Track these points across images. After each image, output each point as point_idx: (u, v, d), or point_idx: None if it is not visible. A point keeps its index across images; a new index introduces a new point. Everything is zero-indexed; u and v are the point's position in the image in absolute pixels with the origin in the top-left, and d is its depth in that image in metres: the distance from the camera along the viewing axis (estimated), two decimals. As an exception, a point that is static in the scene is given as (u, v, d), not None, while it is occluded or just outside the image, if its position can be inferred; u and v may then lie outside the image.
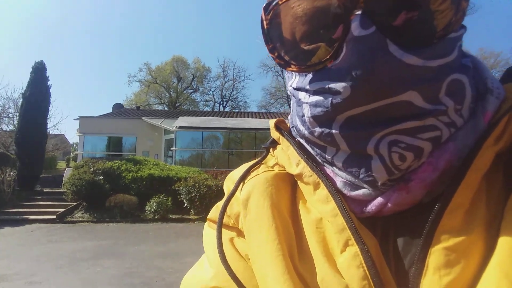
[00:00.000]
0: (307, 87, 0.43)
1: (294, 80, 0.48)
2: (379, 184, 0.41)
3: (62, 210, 12.43)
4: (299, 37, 0.42)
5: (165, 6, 72.44)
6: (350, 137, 0.40)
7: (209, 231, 0.58)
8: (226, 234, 0.54)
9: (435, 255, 0.36)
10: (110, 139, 21.07)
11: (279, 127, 0.55)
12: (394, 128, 0.38)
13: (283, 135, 0.53)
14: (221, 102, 48.28)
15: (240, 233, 0.53)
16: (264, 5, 0.43)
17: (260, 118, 23.20)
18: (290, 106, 0.57)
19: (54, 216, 11.99)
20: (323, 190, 0.44)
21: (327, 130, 0.42)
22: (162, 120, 20.73)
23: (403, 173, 0.40)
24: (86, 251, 7.76)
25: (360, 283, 0.38)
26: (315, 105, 0.42)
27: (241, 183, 0.54)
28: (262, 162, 0.57)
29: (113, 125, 20.83)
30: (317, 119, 0.43)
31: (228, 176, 0.60)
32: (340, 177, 0.45)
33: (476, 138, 0.40)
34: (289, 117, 0.55)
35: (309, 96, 0.43)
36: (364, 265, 0.38)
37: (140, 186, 12.94)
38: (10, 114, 21.98)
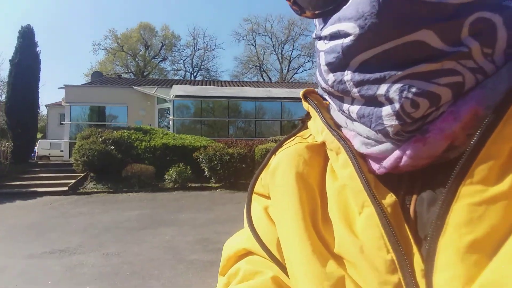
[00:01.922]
0: (322, 33, 0.42)
1: (315, 30, 0.45)
2: (391, 134, 0.38)
3: (72, 181, 11.90)
4: None
5: (129, -31, 68.29)
6: (360, 83, 0.38)
7: None
8: (262, 202, 0.55)
9: (457, 212, 0.33)
10: (99, 109, 20.05)
11: (306, 96, 0.54)
12: (407, 71, 0.35)
13: (310, 105, 0.52)
14: (192, 72, 47.20)
15: None
16: None
17: (232, 86, 22.79)
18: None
19: (66, 188, 11.50)
20: (343, 155, 0.44)
21: (339, 78, 0.40)
22: (155, 88, 19.95)
23: (419, 124, 0.36)
24: (133, 221, 7.54)
25: (375, 242, 0.37)
26: (329, 51, 0.40)
27: (273, 155, 0.55)
28: (298, 134, 0.56)
29: (101, 94, 19.68)
30: (331, 66, 0.41)
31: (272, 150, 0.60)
32: (359, 137, 0.43)
33: None
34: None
35: (325, 43, 0.41)
36: (379, 224, 0.37)
37: (155, 155, 12.55)
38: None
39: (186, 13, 68.27)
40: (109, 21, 69.02)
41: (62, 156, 18.66)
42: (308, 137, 0.54)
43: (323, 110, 0.50)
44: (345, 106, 0.43)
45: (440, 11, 0.33)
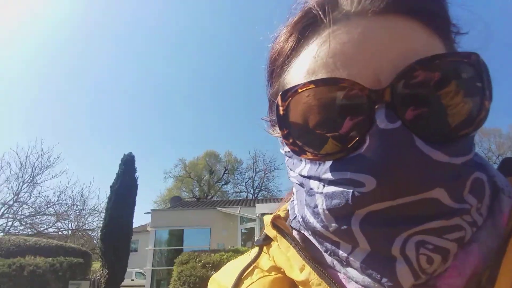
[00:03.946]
0: (323, 176, 0.40)
1: (303, 167, 0.44)
2: None
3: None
4: (318, 124, 0.40)
5: (205, 105, 76.07)
6: (372, 235, 0.37)
7: None
8: None
9: None
10: (183, 232, 19.77)
11: (276, 224, 0.51)
12: (422, 227, 0.35)
13: (282, 235, 0.49)
14: (253, 193, 47.50)
15: None
16: (281, 92, 0.41)
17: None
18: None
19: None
20: None
21: (345, 226, 0.38)
22: (239, 208, 19.65)
23: (428, 278, 0.36)
24: None
25: None
26: (331, 196, 0.39)
27: None
28: (254, 264, 0.53)
29: (185, 217, 19.63)
30: (334, 212, 0.39)
31: (212, 278, 0.56)
32: (354, 283, 0.40)
33: (499, 241, 0.38)
34: (288, 207, 0.52)
35: (324, 186, 0.40)
36: None
37: (256, 279, 11.41)
38: (76, 212, 21.34)
39: (247, 139, 72.42)
40: (178, 151, 74.33)
41: (138, 287, 17.82)
42: (269, 268, 0.50)
43: (298, 243, 0.47)
44: (341, 253, 0.40)
45: (450, 171, 0.35)
